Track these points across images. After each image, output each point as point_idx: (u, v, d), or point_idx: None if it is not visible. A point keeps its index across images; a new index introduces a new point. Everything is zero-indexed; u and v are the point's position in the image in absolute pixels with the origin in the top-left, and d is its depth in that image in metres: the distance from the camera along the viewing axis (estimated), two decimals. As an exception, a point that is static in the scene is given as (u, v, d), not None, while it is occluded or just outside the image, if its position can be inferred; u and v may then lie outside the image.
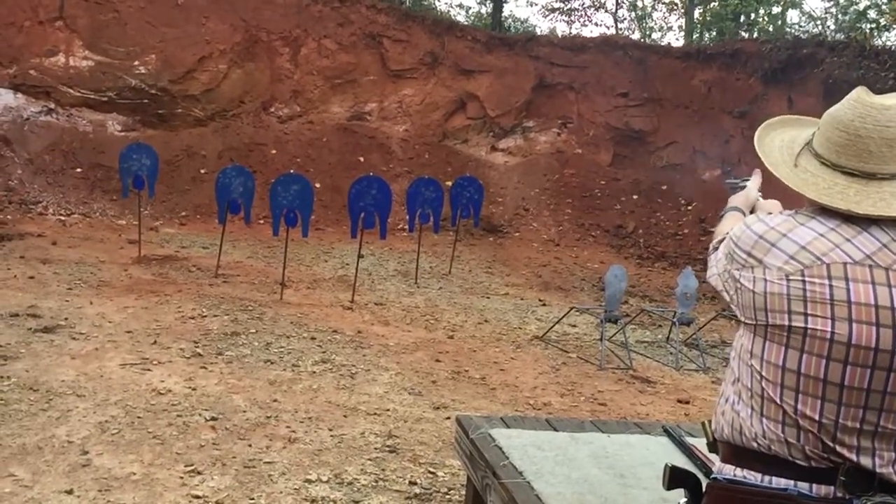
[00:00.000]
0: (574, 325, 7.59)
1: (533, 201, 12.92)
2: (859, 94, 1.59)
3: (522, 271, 10.09)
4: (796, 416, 1.45)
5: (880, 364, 1.40)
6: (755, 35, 15.05)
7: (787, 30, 14.70)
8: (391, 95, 13.48)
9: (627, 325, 7.30)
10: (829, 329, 1.41)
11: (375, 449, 4.17)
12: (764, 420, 1.48)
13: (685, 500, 1.65)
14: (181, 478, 3.58)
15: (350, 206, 7.84)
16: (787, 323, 1.44)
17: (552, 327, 7.21)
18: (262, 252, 9.40)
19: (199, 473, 3.63)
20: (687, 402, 5.74)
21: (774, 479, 1.47)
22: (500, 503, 2.20)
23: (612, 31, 18.21)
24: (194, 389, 4.72)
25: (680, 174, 13.34)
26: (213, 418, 4.30)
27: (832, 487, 1.45)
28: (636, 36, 18.05)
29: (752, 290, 1.49)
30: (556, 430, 2.69)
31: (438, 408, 4.99)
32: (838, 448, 1.44)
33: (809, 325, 1.42)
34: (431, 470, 4.03)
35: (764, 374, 1.47)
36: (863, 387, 1.41)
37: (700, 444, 2.58)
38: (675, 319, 6.97)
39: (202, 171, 11.52)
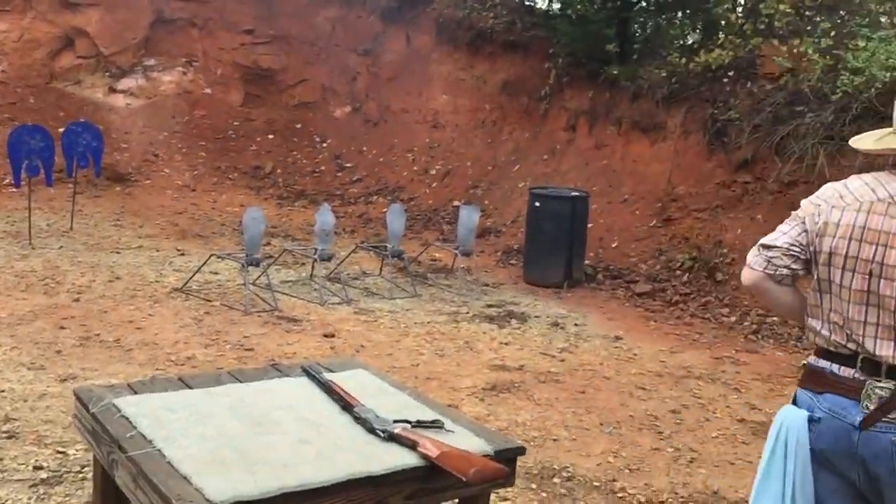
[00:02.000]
0: (216, 273, 7.33)
1: (162, 146, 12.12)
2: None
3: (156, 221, 9.48)
4: (829, 314, 2.09)
5: (872, 272, 2.00)
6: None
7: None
8: (-22, 31, 11.62)
9: (271, 267, 7.24)
10: (849, 247, 2.04)
11: (-12, 439, 3.66)
12: (813, 321, 2.14)
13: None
14: None
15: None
16: (823, 249, 2.09)
17: (192, 277, 6.90)
18: None
19: None
20: (332, 336, 5.88)
21: (821, 361, 2.13)
22: (128, 479, 2.03)
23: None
24: None
25: (313, 112, 13.42)
26: None
27: (853, 370, 2.05)
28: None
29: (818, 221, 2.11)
30: (190, 387, 2.54)
31: (66, 380, 4.52)
32: (854, 337, 2.04)
33: (834, 249, 2.07)
34: (60, 449, 3.65)
35: (815, 283, 2.12)
36: (864, 289, 2.02)
37: (339, 378, 2.62)
38: (315, 256, 7.06)
39: None
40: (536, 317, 6.85)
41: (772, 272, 2.15)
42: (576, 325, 6.70)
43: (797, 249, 2.14)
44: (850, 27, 7.87)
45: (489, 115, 11.74)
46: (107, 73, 12.61)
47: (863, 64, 6.90)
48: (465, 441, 2.21)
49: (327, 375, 2.64)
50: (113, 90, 12.59)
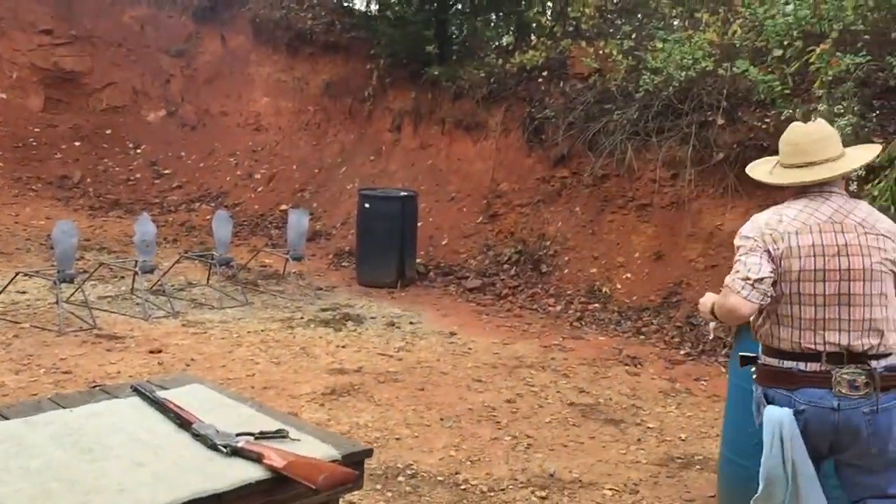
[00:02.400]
0: (24, 292, 6.79)
1: (-48, 156, 11.08)
2: (794, 125, 2.76)
3: (-51, 240, 8.63)
4: (801, 321, 2.50)
5: (843, 277, 2.48)
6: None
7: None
8: None
9: (86, 283, 6.79)
10: (814, 262, 2.49)
11: None
12: (783, 329, 2.54)
13: (754, 368, 2.68)
14: None
15: None
16: (793, 268, 2.51)
17: (-4, 299, 6.35)
18: None
19: None
20: (159, 352, 5.61)
21: (786, 361, 2.54)
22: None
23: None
24: None
25: (123, 117, 12.69)
26: None
27: (818, 364, 2.49)
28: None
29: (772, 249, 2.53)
30: (6, 418, 2.34)
31: None
32: (827, 336, 2.48)
33: (804, 266, 2.50)
34: None
35: (782, 298, 2.52)
36: (834, 293, 2.48)
37: (173, 395, 2.50)
38: (137, 269, 6.69)
39: None
40: (372, 318, 6.86)
41: (765, 302, 2.53)
42: (411, 323, 6.77)
43: (773, 276, 2.52)
44: (648, 30, 8.46)
45: (313, 116, 11.61)
46: None
47: (661, 64, 7.44)
48: (311, 448, 2.17)
49: (160, 393, 2.52)
50: None
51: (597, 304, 7.22)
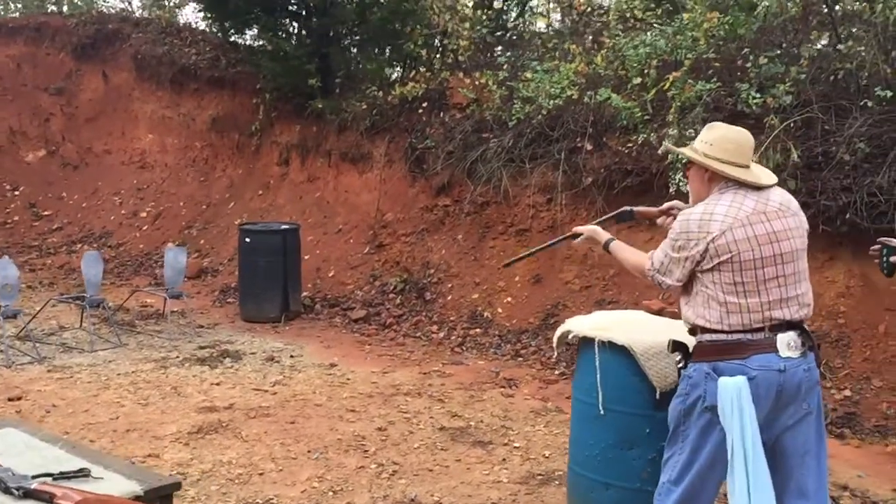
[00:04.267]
0: None
1: None
2: (725, 125, 2.98)
3: None
4: (748, 304, 2.73)
5: (777, 262, 2.74)
6: (63, 9, 14.49)
7: (95, 4, 14.52)
8: None
9: (-55, 331, 6.48)
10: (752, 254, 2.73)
11: None
12: (731, 315, 2.74)
13: (679, 357, 2.92)
14: None
15: None
16: (733, 260, 2.73)
17: None
18: None
19: None
20: (19, 399, 5.40)
21: (734, 335, 2.75)
22: None
23: None
24: None
25: (0, 157, 12.25)
26: None
27: (762, 333, 2.73)
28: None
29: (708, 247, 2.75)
30: None
31: None
32: (771, 314, 2.73)
33: (743, 258, 2.74)
34: None
35: (726, 287, 2.75)
36: (773, 276, 2.73)
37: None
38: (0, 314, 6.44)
39: None
40: (252, 353, 6.78)
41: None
42: (291, 356, 6.72)
43: (680, 282, 2.87)
44: (522, 61, 8.73)
45: (200, 153, 11.46)
46: None
47: (531, 93, 7.69)
48: (112, 486, 2.15)
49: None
50: None
51: (478, 329, 7.33)
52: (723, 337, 2.77)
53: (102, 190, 11.69)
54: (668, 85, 6.76)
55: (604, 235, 3.25)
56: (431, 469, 4.51)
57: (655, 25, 7.69)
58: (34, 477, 2.13)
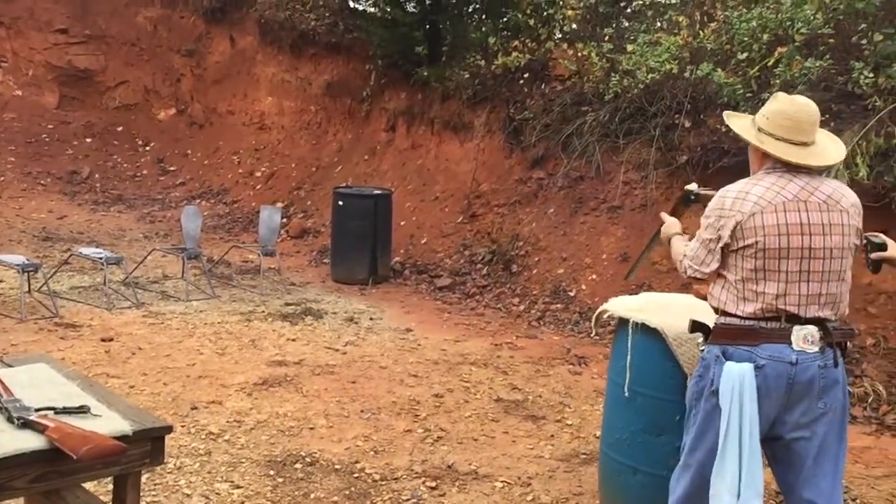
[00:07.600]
0: (1, 281, 7.07)
1: (-32, 151, 11.54)
2: (788, 97, 2.72)
3: (-50, 230, 9.01)
4: (765, 295, 2.59)
5: (804, 255, 2.57)
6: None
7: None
8: None
9: (60, 272, 7.04)
10: (777, 241, 2.57)
11: None
12: (747, 302, 2.62)
13: (701, 338, 2.80)
14: None
15: None
16: (758, 246, 2.58)
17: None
18: None
19: None
20: (110, 340, 5.80)
21: (747, 321, 2.61)
22: None
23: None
24: None
25: (135, 114, 13.08)
26: None
27: (778, 323, 2.59)
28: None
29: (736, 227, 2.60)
30: None
31: None
32: (787, 307, 2.58)
33: (768, 245, 2.58)
34: None
35: (746, 273, 2.61)
36: (796, 269, 2.57)
37: (11, 373, 2.64)
38: (102, 261, 6.90)
39: None
40: (334, 313, 6.99)
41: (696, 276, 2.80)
42: (371, 319, 6.88)
43: (716, 266, 2.72)
44: (628, 33, 8.46)
45: (314, 116, 11.82)
46: None
47: (632, 66, 7.45)
48: (105, 423, 2.29)
49: (2, 371, 2.66)
50: None
51: (559, 305, 7.25)
52: (736, 322, 2.64)
53: (223, 149, 12.27)
54: (773, 61, 6.38)
55: (671, 230, 3.06)
56: (476, 438, 4.53)
57: (770, -2, 7.25)
58: (38, 410, 2.31)
